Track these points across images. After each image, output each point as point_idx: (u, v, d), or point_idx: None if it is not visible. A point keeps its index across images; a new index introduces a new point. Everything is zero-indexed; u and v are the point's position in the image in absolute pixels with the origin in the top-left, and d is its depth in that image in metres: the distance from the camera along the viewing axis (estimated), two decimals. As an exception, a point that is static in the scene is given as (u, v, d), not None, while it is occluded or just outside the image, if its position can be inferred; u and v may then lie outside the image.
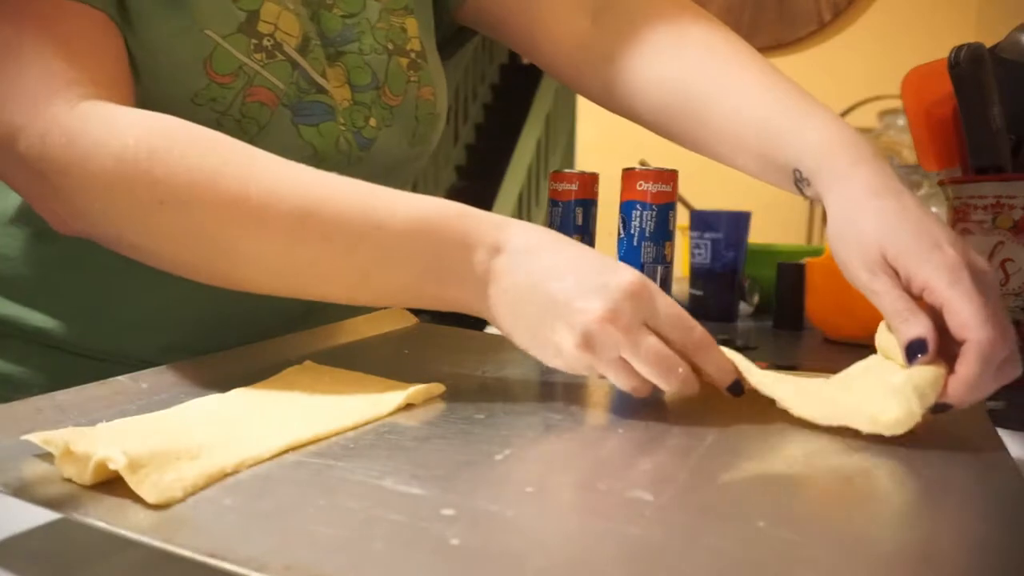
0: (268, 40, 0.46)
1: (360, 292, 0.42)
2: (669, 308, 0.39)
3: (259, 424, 0.35)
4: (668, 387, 0.39)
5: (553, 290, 0.38)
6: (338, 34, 0.52)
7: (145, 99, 0.44)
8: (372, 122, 0.54)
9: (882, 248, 0.40)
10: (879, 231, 0.41)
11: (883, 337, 0.44)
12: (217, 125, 0.45)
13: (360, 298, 0.43)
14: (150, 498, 0.26)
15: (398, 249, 0.39)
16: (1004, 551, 0.27)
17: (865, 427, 0.36)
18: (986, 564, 0.26)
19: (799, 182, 0.48)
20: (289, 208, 0.38)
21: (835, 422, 0.38)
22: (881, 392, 0.38)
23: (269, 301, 0.43)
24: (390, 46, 0.55)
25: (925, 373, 0.37)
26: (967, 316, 0.36)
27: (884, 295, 0.41)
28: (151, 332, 0.52)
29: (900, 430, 0.36)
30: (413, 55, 0.56)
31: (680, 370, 0.38)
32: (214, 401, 0.38)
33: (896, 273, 0.40)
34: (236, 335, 0.52)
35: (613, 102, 0.63)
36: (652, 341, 0.37)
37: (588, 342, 0.37)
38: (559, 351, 0.39)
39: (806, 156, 0.47)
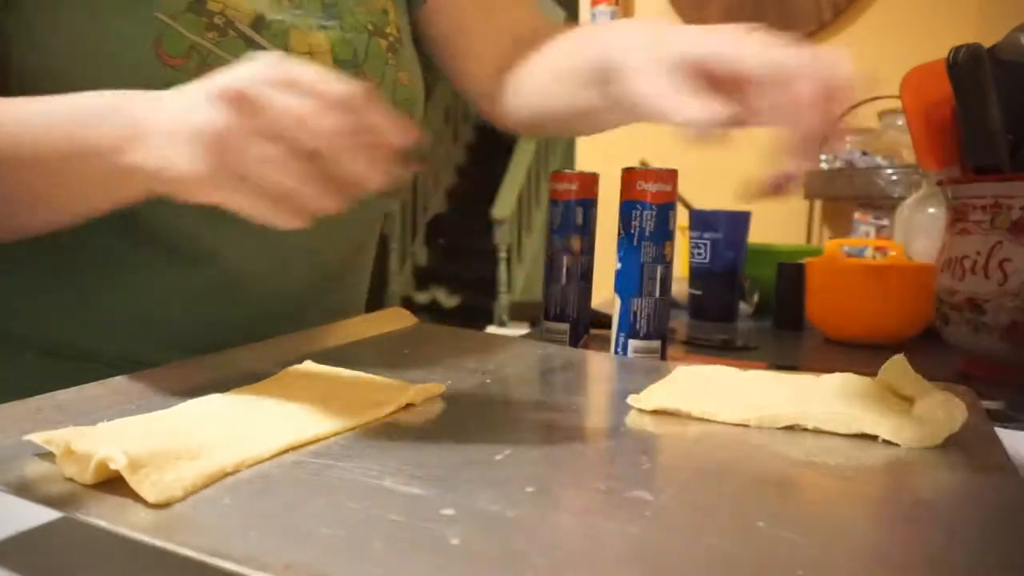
0: (219, 18, 0.45)
1: (57, 200, 0.42)
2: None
3: (260, 424, 0.35)
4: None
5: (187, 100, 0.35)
6: (321, 10, 0.52)
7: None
8: None
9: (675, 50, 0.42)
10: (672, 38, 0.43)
11: (892, 371, 0.44)
12: None
13: (63, 205, 0.42)
14: (150, 497, 0.26)
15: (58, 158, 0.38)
16: (1004, 551, 0.27)
17: (887, 436, 0.37)
18: (986, 564, 0.26)
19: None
20: None
21: (852, 430, 0.38)
22: (906, 411, 0.39)
23: (261, 302, 0.43)
24: (370, 27, 0.55)
25: (949, 399, 0.38)
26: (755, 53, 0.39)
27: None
28: (142, 332, 0.52)
29: (925, 445, 0.36)
30: (391, 38, 0.57)
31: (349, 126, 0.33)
32: (214, 401, 0.38)
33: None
34: (231, 334, 0.51)
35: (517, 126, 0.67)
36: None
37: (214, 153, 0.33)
38: (192, 151, 0.34)
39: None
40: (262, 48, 0.48)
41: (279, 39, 0.49)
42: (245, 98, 0.32)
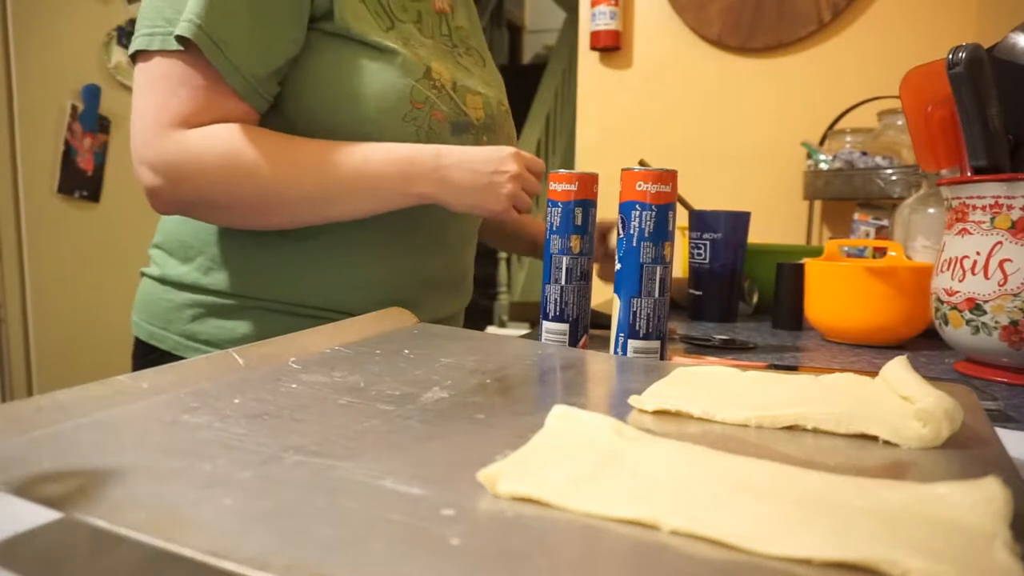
0: (437, 83, 0.73)
1: (367, 202, 0.68)
2: (532, 160, 0.73)
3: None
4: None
5: (481, 169, 0.70)
6: (482, 80, 0.83)
7: (377, 123, 0.69)
8: (484, 140, 0.82)
9: None
10: None
11: (892, 371, 0.44)
12: (416, 137, 0.71)
13: (367, 206, 0.69)
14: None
15: (380, 174, 0.68)
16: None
17: (888, 436, 0.37)
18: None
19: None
20: (316, 170, 0.66)
21: (852, 430, 0.38)
22: (907, 411, 0.39)
23: (444, 267, 0.82)
24: (499, 95, 0.87)
25: (949, 400, 0.38)
26: None
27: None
28: (366, 291, 0.75)
29: (925, 445, 0.36)
30: (505, 107, 0.88)
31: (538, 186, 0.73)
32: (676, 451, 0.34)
33: None
34: (432, 294, 0.80)
35: None
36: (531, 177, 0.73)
37: (514, 181, 0.70)
38: (498, 197, 0.70)
39: None
40: (455, 102, 0.75)
41: (462, 97, 0.76)
42: (520, 163, 0.71)
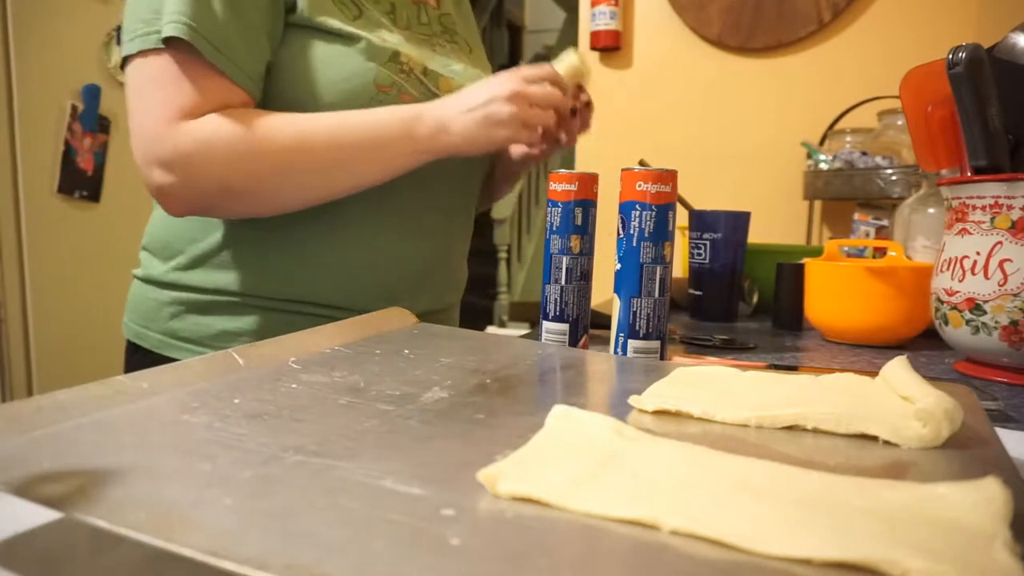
0: (406, 67, 0.73)
1: (376, 164, 0.69)
2: (538, 71, 0.71)
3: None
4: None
5: (475, 102, 0.68)
6: (459, 66, 0.81)
7: (345, 103, 0.69)
8: None
9: None
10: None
11: (892, 371, 0.44)
12: None
13: (376, 168, 0.69)
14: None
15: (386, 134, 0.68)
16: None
17: (888, 436, 0.37)
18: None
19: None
20: (324, 136, 0.66)
21: (852, 430, 0.38)
22: (907, 411, 0.39)
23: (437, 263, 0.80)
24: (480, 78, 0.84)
25: (949, 400, 0.38)
26: None
27: None
28: (344, 283, 0.74)
29: (925, 445, 0.36)
30: None
31: (555, 96, 0.71)
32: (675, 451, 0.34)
33: None
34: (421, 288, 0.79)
35: None
36: (538, 89, 0.70)
37: (514, 101, 0.68)
38: (501, 123, 0.67)
39: None
40: (427, 87, 0.74)
41: (434, 82, 0.76)
42: (517, 80, 0.69)
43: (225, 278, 0.72)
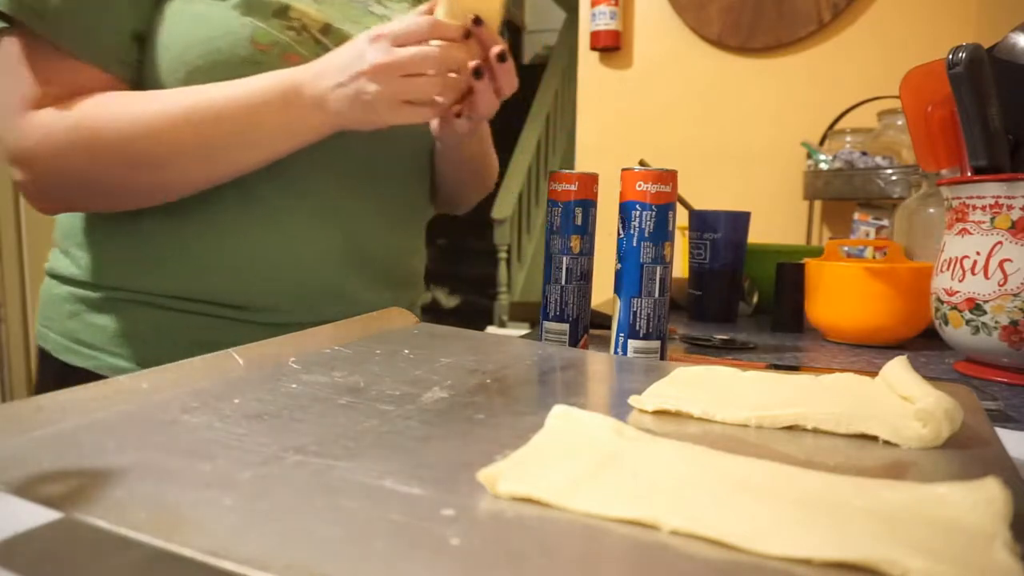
0: (296, 23, 0.63)
1: (255, 152, 0.60)
2: (403, 26, 0.57)
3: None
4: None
5: (341, 76, 0.57)
6: (371, 26, 0.68)
7: (209, 72, 0.60)
8: None
9: None
10: None
11: (892, 371, 0.44)
12: None
13: (256, 155, 0.60)
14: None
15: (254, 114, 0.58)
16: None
17: (888, 436, 0.37)
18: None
19: None
20: (178, 118, 0.57)
21: (852, 430, 0.38)
22: (907, 411, 0.39)
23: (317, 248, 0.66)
24: None
25: (949, 400, 0.38)
26: None
27: None
28: (245, 277, 0.65)
29: (925, 445, 0.36)
30: None
31: (433, 54, 0.57)
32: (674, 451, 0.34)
33: None
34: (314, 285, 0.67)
35: None
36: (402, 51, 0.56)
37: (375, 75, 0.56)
38: (369, 102, 0.57)
39: None
40: (325, 47, 0.64)
41: (337, 42, 0.64)
42: (381, 49, 0.56)
43: (116, 273, 0.65)
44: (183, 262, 0.64)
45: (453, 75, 0.60)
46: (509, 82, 0.63)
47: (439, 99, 0.60)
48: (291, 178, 0.65)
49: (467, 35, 0.59)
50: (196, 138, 0.57)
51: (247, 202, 0.64)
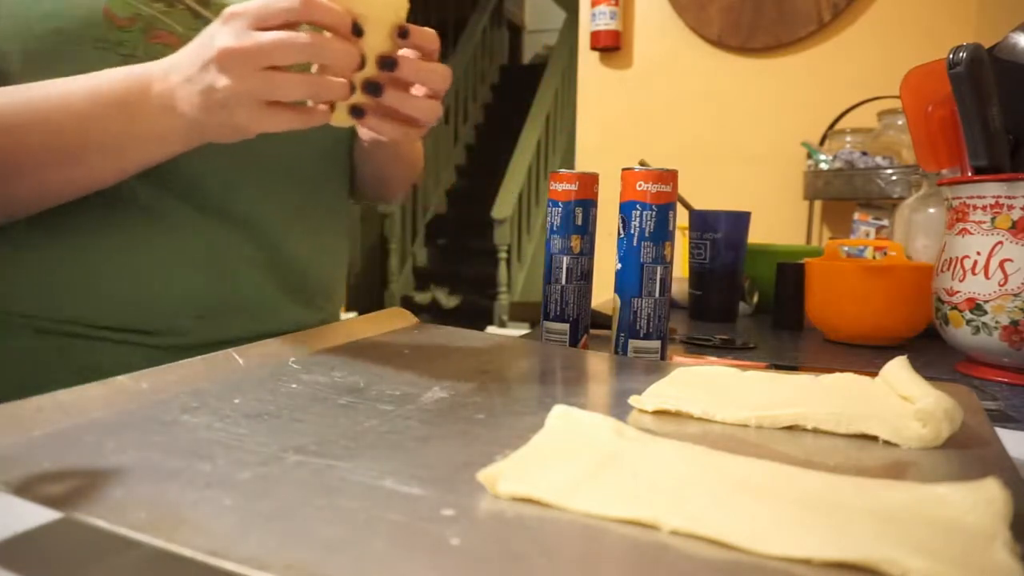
0: None
1: (107, 159, 0.49)
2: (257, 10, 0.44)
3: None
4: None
5: (192, 71, 0.46)
6: None
7: (53, 51, 0.49)
8: None
9: None
10: None
11: (892, 371, 0.44)
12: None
13: (113, 161, 0.49)
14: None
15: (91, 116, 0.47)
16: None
17: (888, 436, 0.37)
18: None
19: None
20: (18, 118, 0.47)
21: (852, 430, 0.38)
22: (907, 411, 0.39)
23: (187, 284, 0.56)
24: None
25: (949, 400, 0.38)
26: None
27: None
28: (144, 301, 0.56)
29: (925, 445, 0.36)
30: None
31: (301, 40, 0.43)
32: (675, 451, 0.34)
33: None
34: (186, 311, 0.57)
35: None
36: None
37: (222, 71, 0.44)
38: (220, 101, 0.45)
39: None
40: (207, 20, 0.54)
41: (219, 14, 0.54)
42: (234, 31, 0.43)
43: None
44: (67, 283, 0.54)
45: (336, 79, 0.46)
46: (432, 77, 0.49)
47: (311, 103, 0.47)
48: (188, 184, 0.55)
49: (357, 31, 0.46)
50: (44, 142, 0.47)
51: (135, 213, 0.54)
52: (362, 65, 0.46)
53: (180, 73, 0.46)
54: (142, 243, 0.55)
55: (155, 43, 0.51)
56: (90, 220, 0.54)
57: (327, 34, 0.45)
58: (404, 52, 0.49)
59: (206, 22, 0.53)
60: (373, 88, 0.47)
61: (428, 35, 0.49)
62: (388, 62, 0.47)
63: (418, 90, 0.50)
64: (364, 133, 0.62)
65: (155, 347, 0.56)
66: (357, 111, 0.48)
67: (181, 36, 0.52)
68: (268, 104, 0.45)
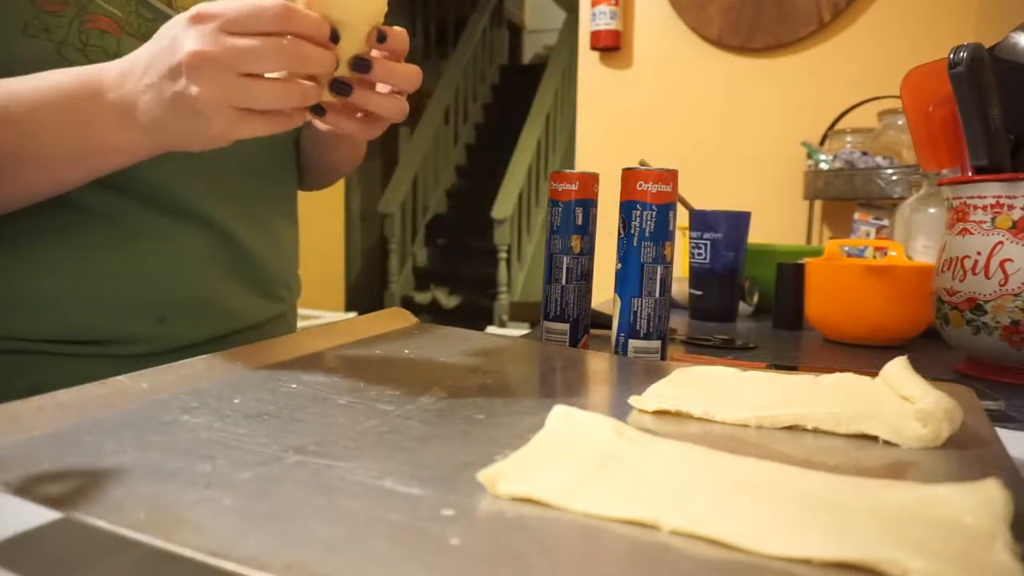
0: None
1: (56, 169, 0.46)
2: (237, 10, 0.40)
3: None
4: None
5: (154, 77, 0.42)
6: None
7: None
8: None
9: None
10: None
11: (892, 371, 0.44)
12: (59, 56, 0.46)
13: (65, 171, 0.46)
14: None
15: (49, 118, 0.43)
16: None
17: (888, 436, 0.37)
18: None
19: None
20: None
21: (852, 430, 0.38)
22: (906, 411, 0.39)
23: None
24: None
25: (949, 400, 0.38)
26: None
27: None
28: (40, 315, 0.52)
29: (925, 445, 0.36)
30: None
31: (280, 52, 0.41)
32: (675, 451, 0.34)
33: None
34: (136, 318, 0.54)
35: None
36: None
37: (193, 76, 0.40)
38: (194, 110, 0.41)
39: None
40: (154, 9, 0.51)
41: (182, 5, 0.52)
42: (207, 31, 0.40)
43: None
44: (13, 297, 0.51)
45: (309, 82, 0.43)
46: (403, 78, 0.47)
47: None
48: (142, 184, 0.52)
49: (335, 38, 0.43)
50: None
51: (87, 217, 0.51)
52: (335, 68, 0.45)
53: (139, 79, 0.42)
54: (95, 248, 0.52)
55: (91, 28, 0.47)
56: (36, 226, 0.50)
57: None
58: (373, 53, 0.47)
59: (148, 6, 0.49)
60: (342, 88, 0.45)
61: (400, 36, 0.47)
62: (363, 64, 0.45)
63: (383, 87, 0.48)
64: (321, 125, 0.60)
65: (116, 357, 0.54)
66: (318, 109, 0.46)
67: (120, 21, 0.48)
68: (244, 110, 0.42)
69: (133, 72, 0.42)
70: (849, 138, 1.57)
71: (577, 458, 0.32)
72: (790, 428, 0.39)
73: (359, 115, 0.48)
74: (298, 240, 0.73)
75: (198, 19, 0.40)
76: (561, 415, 0.37)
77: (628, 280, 0.63)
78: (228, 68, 0.40)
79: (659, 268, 0.62)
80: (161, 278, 0.55)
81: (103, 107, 0.43)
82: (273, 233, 0.65)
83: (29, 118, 0.43)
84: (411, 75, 0.47)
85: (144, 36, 0.49)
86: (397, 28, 0.47)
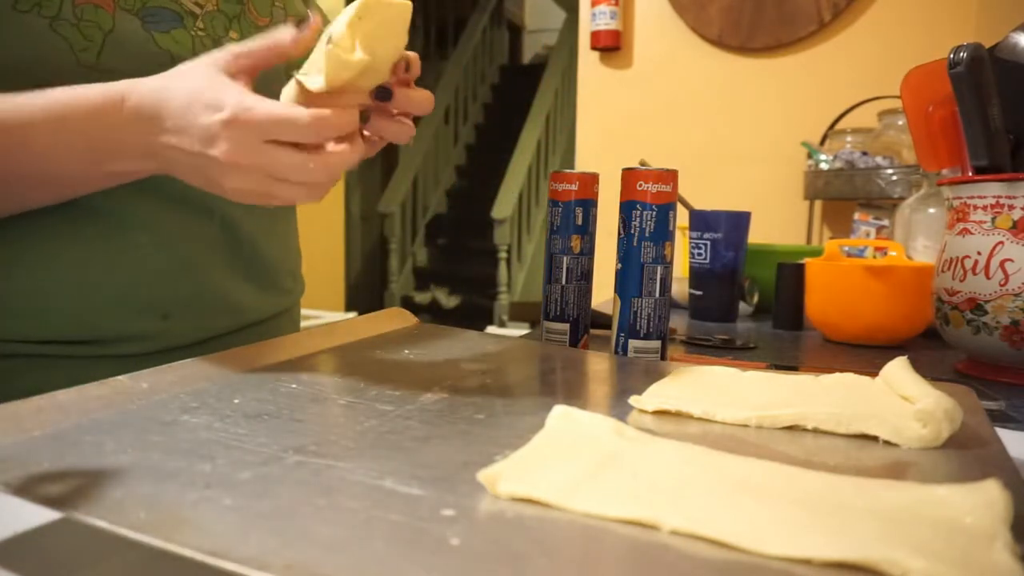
0: None
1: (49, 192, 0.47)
2: (273, 118, 0.41)
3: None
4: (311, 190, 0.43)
5: (193, 144, 0.42)
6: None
7: None
8: (233, 35, 0.56)
9: None
10: None
11: (892, 372, 0.44)
12: (51, 32, 0.46)
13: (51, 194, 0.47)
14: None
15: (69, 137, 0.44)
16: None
17: (888, 436, 0.37)
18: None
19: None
20: None
21: (852, 430, 0.38)
22: (906, 411, 0.39)
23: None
24: None
25: (949, 400, 0.38)
26: None
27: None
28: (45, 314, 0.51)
29: (925, 445, 0.36)
30: None
31: (311, 166, 0.41)
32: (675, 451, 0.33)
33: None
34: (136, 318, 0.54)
35: None
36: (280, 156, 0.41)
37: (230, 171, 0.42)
38: (226, 191, 0.43)
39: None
40: None
41: None
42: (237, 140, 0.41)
43: None
44: (10, 297, 0.50)
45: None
46: (419, 105, 0.48)
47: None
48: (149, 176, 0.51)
49: (364, 117, 0.45)
50: None
51: (87, 211, 0.51)
52: None
53: (177, 138, 0.42)
54: (93, 240, 0.51)
55: (84, 4, 0.47)
56: (35, 223, 0.50)
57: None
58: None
59: None
60: (360, 118, 0.45)
61: (417, 63, 0.48)
62: (385, 93, 0.46)
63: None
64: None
65: (118, 357, 0.53)
66: None
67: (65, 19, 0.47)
68: (268, 198, 0.44)
69: (170, 128, 0.43)
70: (849, 138, 1.57)
71: (577, 458, 0.32)
72: (790, 428, 0.39)
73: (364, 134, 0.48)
74: (298, 232, 0.73)
75: (233, 124, 0.41)
76: (561, 415, 0.37)
77: (628, 280, 0.63)
78: (261, 172, 0.42)
79: (659, 268, 0.62)
80: (163, 271, 0.54)
81: (125, 146, 0.44)
82: (275, 222, 0.65)
83: (49, 143, 0.44)
84: (425, 102, 0.48)
85: (141, 12, 0.49)
86: (412, 54, 0.47)
